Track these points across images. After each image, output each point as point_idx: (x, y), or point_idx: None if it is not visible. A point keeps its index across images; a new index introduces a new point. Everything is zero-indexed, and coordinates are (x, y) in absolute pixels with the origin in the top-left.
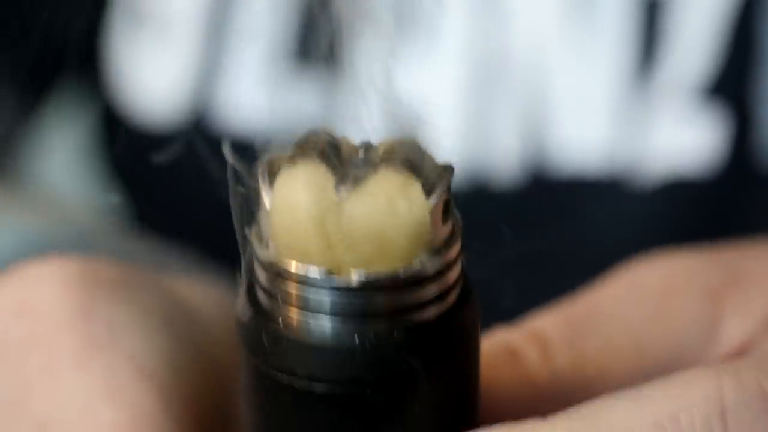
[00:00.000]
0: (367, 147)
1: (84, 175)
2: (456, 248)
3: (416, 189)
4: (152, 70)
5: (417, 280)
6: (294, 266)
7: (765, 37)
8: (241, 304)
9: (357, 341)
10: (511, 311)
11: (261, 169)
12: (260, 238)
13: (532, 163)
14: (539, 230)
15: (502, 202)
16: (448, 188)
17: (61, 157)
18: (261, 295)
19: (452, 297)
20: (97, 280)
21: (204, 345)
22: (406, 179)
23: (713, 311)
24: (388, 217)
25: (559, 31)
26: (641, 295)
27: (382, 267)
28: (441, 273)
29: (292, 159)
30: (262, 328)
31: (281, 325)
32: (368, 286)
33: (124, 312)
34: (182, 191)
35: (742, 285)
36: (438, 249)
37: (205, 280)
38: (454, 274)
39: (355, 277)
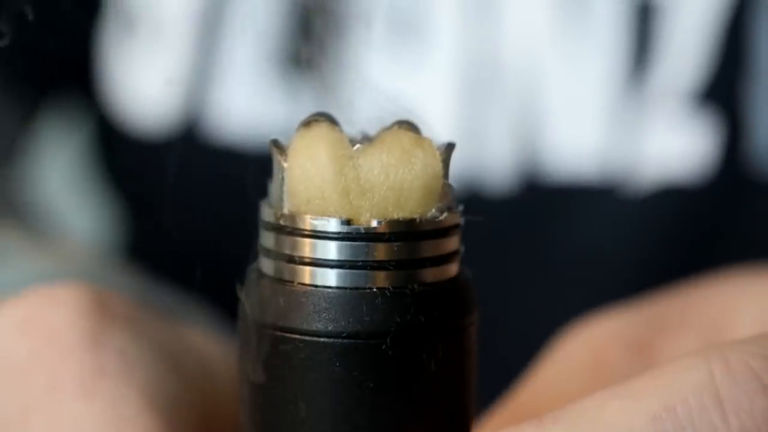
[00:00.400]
0: (366, 137)
1: (81, 187)
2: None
3: (428, 143)
4: (144, 76)
5: (435, 230)
6: (312, 218)
7: (756, 42)
8: (249, 280)
9: (376, 290)
10: (504, 316)
11: (273, 139)
12: (271, 205)
13: (525, 168)
14: (533, 236)
15: (496, 207)
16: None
17: (58, 168)
18: (271, 263)
19: (447, 268)
20: (109, 310)
21: (208, 383)
22: (418, 135)
23: (644, 365)
24: (405, 168)
25: (551, 36)
26: (575, 372)
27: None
28: (457, 227)
29: (305, 125)
30: (278, 291)
31: (296, 284)
32: (387, 232)
33: (134, 344)
34: (177, 198)
35: (668, 333)
36: (450, 207)
37: (205, 322)
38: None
39: (374, 223)
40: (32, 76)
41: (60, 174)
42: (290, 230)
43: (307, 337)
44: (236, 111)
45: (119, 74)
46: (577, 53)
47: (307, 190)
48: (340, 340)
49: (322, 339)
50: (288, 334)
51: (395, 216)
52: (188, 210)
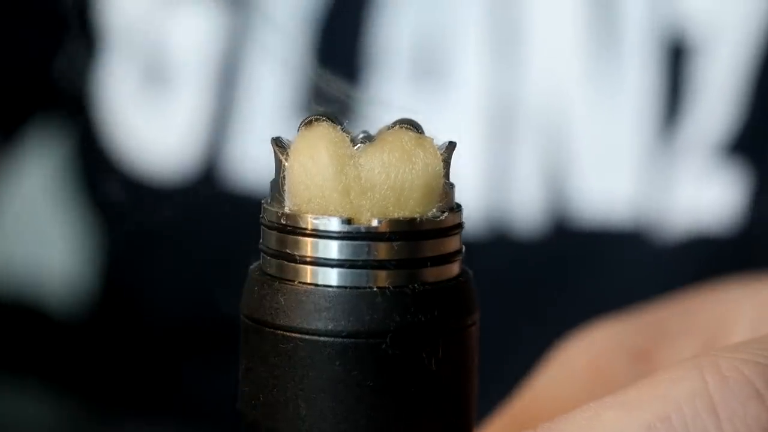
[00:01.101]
0: (367, 136)
1: (60, 206)
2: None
3: (430, 142)
4: (160, 125)
5: (436, 230)
6: (314, 217)
7: None
8: (250, 279)
9: (376, 289)
10: (529, 359)
11: (275, 137)
12: (272, 204)
13: (554, 212)
14: (560, 279)
15: (524, 250)
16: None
17: (37, 185)
18: (272, 262)
19: (449, 267)
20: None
21: None
22: (419, 134)
23: (643, 372)
24: (405, 167)
25: (579, 78)
26: (575, 379)
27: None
28: (458, 227)
29: (306, 124)
30: (279, 290)
31: (297, 283)
32: (388, 231)
33: None
34: (182, 245)
35: (667, 340)
36: (451, 207)
37: None
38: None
39: (375, 222)
40: (14, 99)
41: (38, 190)
42: (291, 229)
43: (307, 336)
44: (253, 159)
45: (125, 116)
46: (606, 95)
47: (307, 189)
48: (340, 339)
49: (322, 338)
50: (288, 333)
51: (396, 215)
52: (193, 256)
